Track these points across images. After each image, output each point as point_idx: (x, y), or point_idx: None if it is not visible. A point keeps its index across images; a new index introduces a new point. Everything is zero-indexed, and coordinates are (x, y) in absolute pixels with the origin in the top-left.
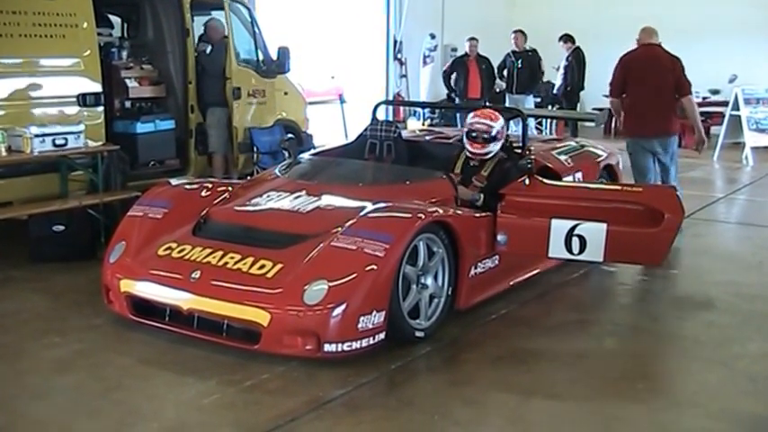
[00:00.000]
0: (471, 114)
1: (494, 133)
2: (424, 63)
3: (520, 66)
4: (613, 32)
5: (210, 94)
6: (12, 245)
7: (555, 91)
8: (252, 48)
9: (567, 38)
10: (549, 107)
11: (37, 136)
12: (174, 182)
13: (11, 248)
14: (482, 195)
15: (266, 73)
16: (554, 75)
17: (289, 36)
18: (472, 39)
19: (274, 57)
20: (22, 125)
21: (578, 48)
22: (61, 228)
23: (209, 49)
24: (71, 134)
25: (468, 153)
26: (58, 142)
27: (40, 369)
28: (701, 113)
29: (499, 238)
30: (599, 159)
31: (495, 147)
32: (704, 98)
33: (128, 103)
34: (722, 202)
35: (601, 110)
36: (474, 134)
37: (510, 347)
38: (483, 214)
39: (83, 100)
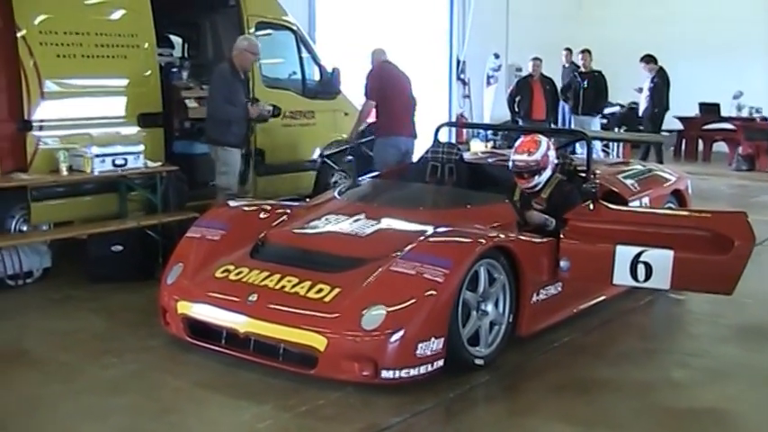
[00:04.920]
0: (513, 148)
1: (535, 166)
2: (488, 83)
3: (586, 86)
4: (681, 51)
5: None
6: (70, 264)
7: (641, 113)
8: (297, 69)
9: (650, 58)
10: (616, 129)
11: (97, 156)
12: (232, 203)
13: (70, 268)
14: (554, 221)
15: (314, 94)
16: (619, 95)
17: (350, 55)
18: (536, 59)
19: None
20: (83, 145)
21: (662, 68)
22: (119, 248)
23: None
24: (131, 154)
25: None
26: (117, 162)
27: (96, 389)
28: None
29: (562, 264)
30: (667, 184)
31: (543, 176)
32: None
33: (187, 124)
34: None
35: (670, 132)
36: (517, 171)
37: (572, 377)
38: (545, 239)
39: (142, 120)
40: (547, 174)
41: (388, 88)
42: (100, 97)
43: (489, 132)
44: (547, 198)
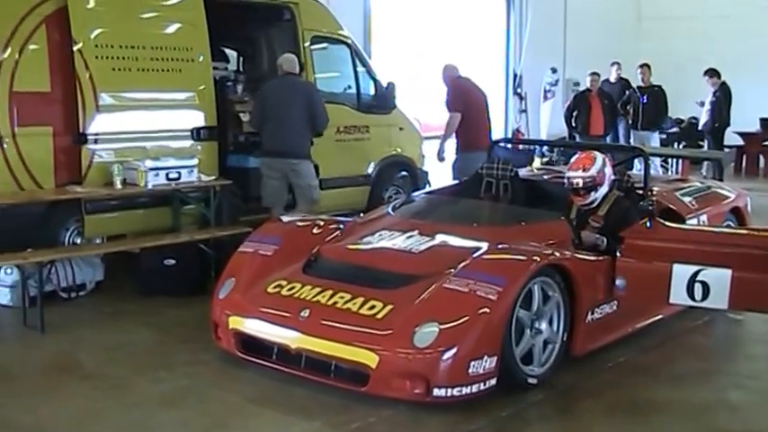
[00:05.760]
0: (568, 165)
1: (590, 182)
2: (545, 98)
3: (645, 101)
4: (743, 65)
5: None
6: (123, 278)
7: (701, 127)
8: (352, 83)
9: (713, 72)
10: (676, 145)
11: (151, 169)
12: (285, 218)
13: (122, 281)
14: (605, 239)
15: (369, 108)
16: (677, 110)
17: (406, 69)
18: (594, 73)
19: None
20: (137, 158)
21: (724, 83)
22: (172, 262)
23: None
24: (184, 168)
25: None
26: (171, 176)
27: (148, 403)
28: None
29: (618, 282)
30: (726, 201)
31: (600, 192)
32: None
33: (241, 138)
34: None
35: (731, 147)
36: (573, 187)
37: (628, 397)
38: (601, 258)
39: (197, 134)
40: (603, 190)
41: (469, 103)
42: (154, 111)
43: (545, 148)
44: (604, 215)
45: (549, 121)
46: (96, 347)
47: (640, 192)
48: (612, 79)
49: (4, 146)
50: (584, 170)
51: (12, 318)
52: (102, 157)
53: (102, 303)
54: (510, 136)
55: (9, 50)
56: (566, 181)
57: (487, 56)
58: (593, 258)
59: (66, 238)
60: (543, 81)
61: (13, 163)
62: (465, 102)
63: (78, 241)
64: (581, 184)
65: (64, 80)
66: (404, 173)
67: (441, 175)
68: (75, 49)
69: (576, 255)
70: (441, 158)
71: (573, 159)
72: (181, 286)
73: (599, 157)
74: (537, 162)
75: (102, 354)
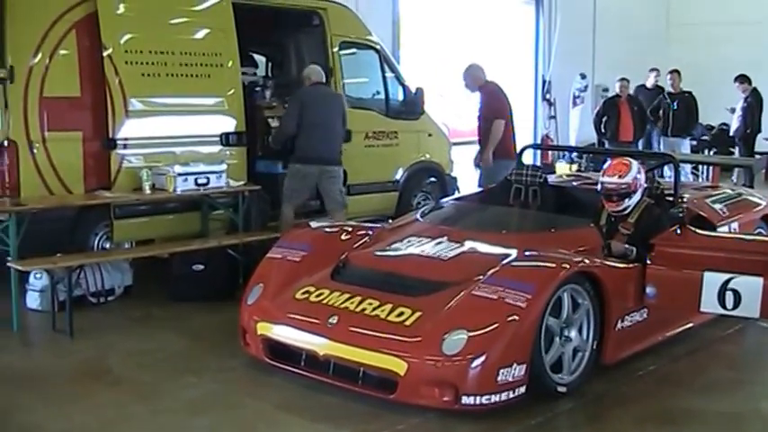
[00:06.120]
0: (602, 170)
1: (625, 189)
2: (574, 104)
3: (675, 107)
4: None
5: None
6: (152, 283)
7: (732, 133)
8: (381, 89)
9: (744, 78)
10: (706, 151)
11: (180, 175)
12: (314, 224)
13: (151, 286)
14: (635, 249)
15: (398, 114)
16: (708, 116)
17: (434, 74)
18: (623, 79)
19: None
20: (166, 164)
21: (755, 89)
22: (201, 267)
23: None
24: (213, 173)
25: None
26: (200, 181)
27: (176, 409)
28: None
29: (648, 290)
30: (757, 209)
31: (633, 199)
32: None
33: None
34: None
35: (761, 155)
36: (607, 194)
37: (658, 406)
38: (631, 265)
39: (225, 139)
40: (636, 197)
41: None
42: (183, 116)
43: (575, 154)
44: (634, 222)
45: (578, 127)
46: (125, 353)
47: (671, 199)
48: (649, 85)
49: (35, 151)
50: (619, 177)
51: (41, 322)
52: (131, 163)
53: (130, 308)
54: (539, 142)
55: (39, 56)
56: (599, 186)
57: (516, 62)
58: (623, 266)
59: (96, 243)
60: (572, 87)
61: (43, 168)
62: (502, 108)
63: (107, 246)
64: (615, 191)
65: (94, 85)
66: (432, 179)
67: (469, 181)
68: (104, 54)
69: (606, 262)
70: (479, 165)
71: (607, 165)
72: (209, 292)
73: (634, 164)
74: (565, 168)
75: (131, 359)
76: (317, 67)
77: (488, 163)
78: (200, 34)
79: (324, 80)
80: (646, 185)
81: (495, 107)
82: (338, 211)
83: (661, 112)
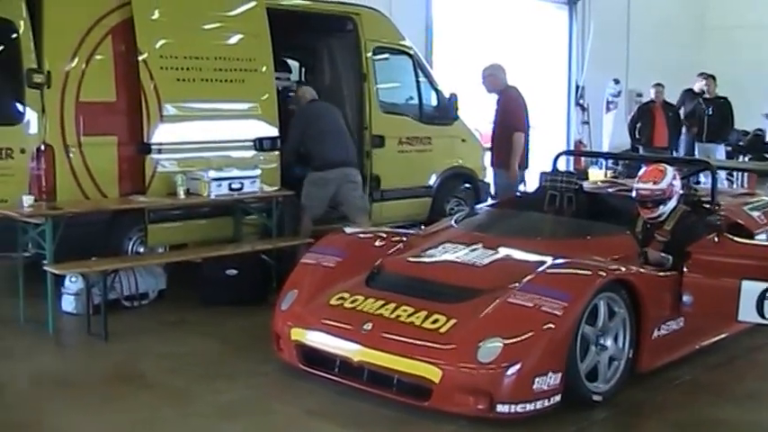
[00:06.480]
0: (637, 177)
1: (660, 195)
2: (607, 109)
3: (710, 113)
4: None
5: None
6: (185, 287)
7: (767, 139)
8: (414, 94)
9: None
10: (740, 157)
11: (214, 180)
12: (348, 230)
13: (184, 291)
14: (670, 258)
15: (431, 120)
16: (743, 121)
17: (467, 79)
18: (658, 85)
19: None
20: (200, 169)
21: None
22: (234, 272)
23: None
24: (247, 178)
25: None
26: (234, 186)
27: (207, 414)
28: None
29: (685, 298)
30: None
31: (668, 206)
32: None
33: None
34: None
35: None
36: (641, 200)
37: (694, 416)
38: (668, 273)
39: (259, 144)
40: (671, 204)
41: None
42: (217, 121)
43: (610, 161)
44: (670, 230)
45: (611, 133)
46: (157, 356)
47: (708, 206)
48: (697, 89)
49: (71, 155)
50: (654, 183)
51: (76, 325)
52: (165, 167)
53: (164, 312)
54: (572, 148)
55: (76, 61)
56: (634, 193)
57: (549, 67)
58: (659, 274)
59: (130, 248)
60: (606, 92)
61: (78, 172)
62: (520, 118)
63: (141, 250)
64: (650, 197)
65: (129, 90)
66: (466, 185)
67: None
68: (140, 59)
69: (642, 270)
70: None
71: (642, 171)
72: (242, 296)
73: (669, 170)
74: (599, 174)
75: (163, 362)
76: (309, 87)
77: (516, 177)
78: (235, 39)
79: (317, 98)
80: (682, 192)
81: (513, 116)
82: (362, 217)
83: (695, 118)
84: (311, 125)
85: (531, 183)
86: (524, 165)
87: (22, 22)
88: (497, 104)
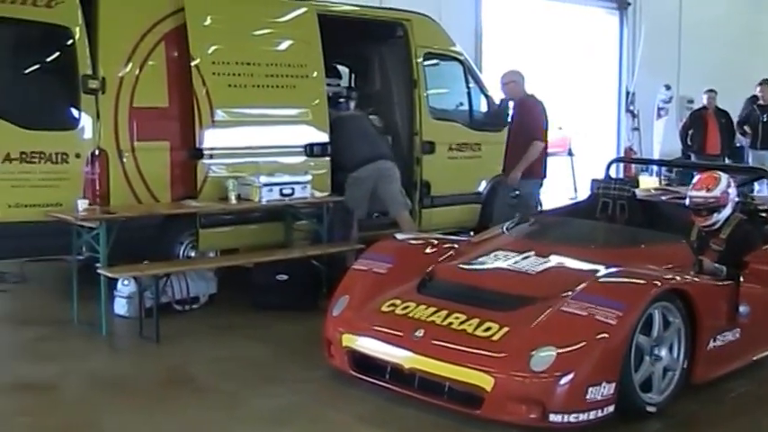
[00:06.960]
0: (691, 184)
1: (713, 203)
2: (658, 116)
3: (765, 120)
4: None
5: None
6: (235, 292)
7: None
8: (464, 100)
9: None
10: None
11: (265, 185)
12: (399, 236)
13: (235, 295)
14: (724, 269)
15: (481, 126)
16: None
17: None
18: (710, 91)
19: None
20: (251, 174)
21: None
22: (284, 277)
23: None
24: (298, 184)
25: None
26: (285, 192)
27: (257, 419)
28: None
29: (741, 309)
30: None
31: (723, 213)
32: None
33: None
34: None
35: None
36: (695, 208)
37: (750, 429)
38: (724, 283)
39: (310, 150)
40: (726, 212)
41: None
42: (268, 126)
43: (663, 168)
44: (726, 238)
45: (662, 140)
46: (208, 360)
47: (764, 215)
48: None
49: (124, 160)
50: (707, 190)
51: (128, 328)
52: (216, 172)
53: (214, 316)
54: (622, 155)
55: (130, 66)
56: (687, 200)
57: (600, 73)
58: (715, 283)
59: (181, 252)
60: (656, 99)
61: (131, 177)
62: (538, 128)
63: (192, 255)
64: (704, 205)
65: (181, 96)
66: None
67: (552, 192)
68: (192, 65)
69: (698, 279)
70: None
71: (696, 179)
72: (292, 301)
73: (723, 177)
74: (651, 182)
75: (214, 367)
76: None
77: (515, 182)
78: (286, 45)
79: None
80: (737, 200)
81: (534, 125)
82: (403, 212)
83: (749, 124)
84: (339, 137)
85: (546, 192)
86: (542, 174)
87: (78, 29)
88: (514, 112)
